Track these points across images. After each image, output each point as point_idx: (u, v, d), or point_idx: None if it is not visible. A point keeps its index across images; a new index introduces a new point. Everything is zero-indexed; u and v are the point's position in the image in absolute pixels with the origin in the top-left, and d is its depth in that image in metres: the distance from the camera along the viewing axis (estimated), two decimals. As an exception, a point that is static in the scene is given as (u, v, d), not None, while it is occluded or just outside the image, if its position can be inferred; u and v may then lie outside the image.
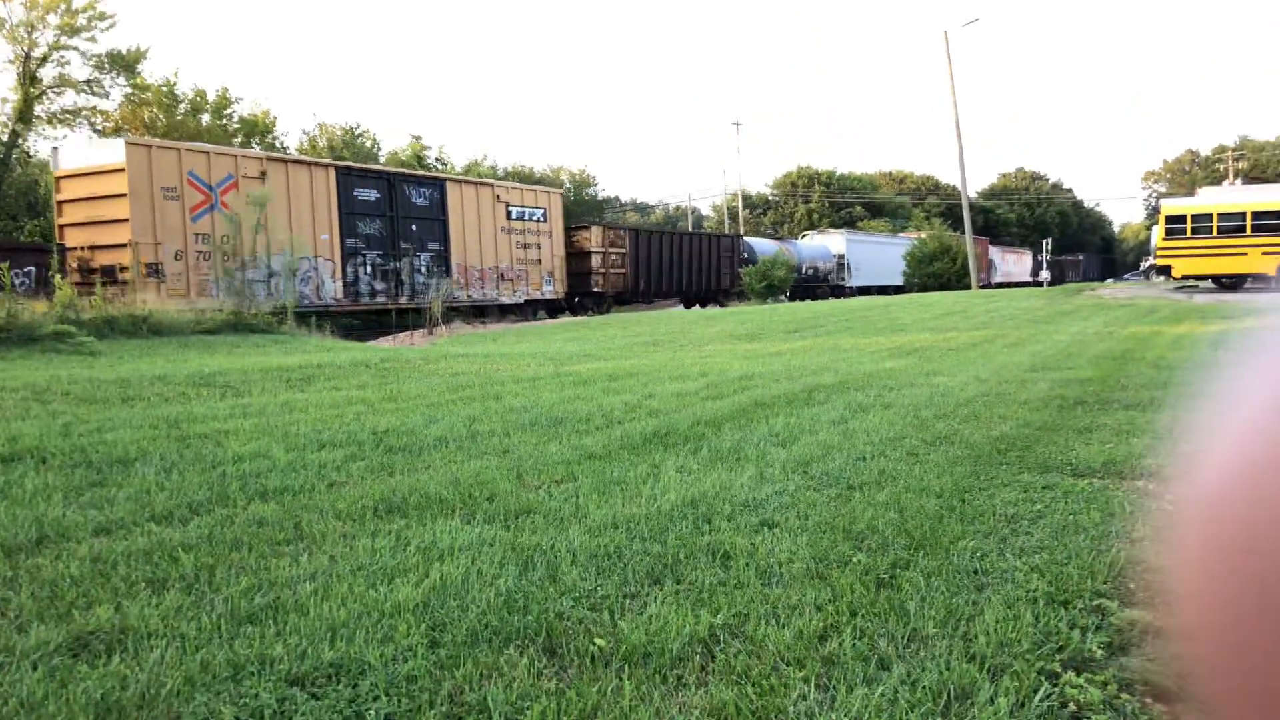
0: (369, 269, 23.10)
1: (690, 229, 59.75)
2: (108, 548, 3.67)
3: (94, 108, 31.93)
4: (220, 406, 7.44)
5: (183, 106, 34.15)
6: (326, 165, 23.22)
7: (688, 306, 35.50)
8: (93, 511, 4.20)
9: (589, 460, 5.41)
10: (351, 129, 40.22)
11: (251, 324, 15.44)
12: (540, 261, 28.93)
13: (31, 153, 30.74)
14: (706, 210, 79.49)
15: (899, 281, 51.38)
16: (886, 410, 7.29)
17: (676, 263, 35.51)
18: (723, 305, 35.69)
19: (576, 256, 31.06)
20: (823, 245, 48.79)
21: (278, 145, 37.57)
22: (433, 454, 5.60)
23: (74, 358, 11.07)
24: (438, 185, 25.49)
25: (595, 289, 31.13)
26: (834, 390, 8.53)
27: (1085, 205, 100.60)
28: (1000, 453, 5.66)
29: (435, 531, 3.91)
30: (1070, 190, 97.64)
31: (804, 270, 43.91)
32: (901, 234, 62.53)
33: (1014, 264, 68.43)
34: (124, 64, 31.52)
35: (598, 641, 2.80)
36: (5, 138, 29.68)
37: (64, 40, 30.18)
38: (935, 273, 44.30)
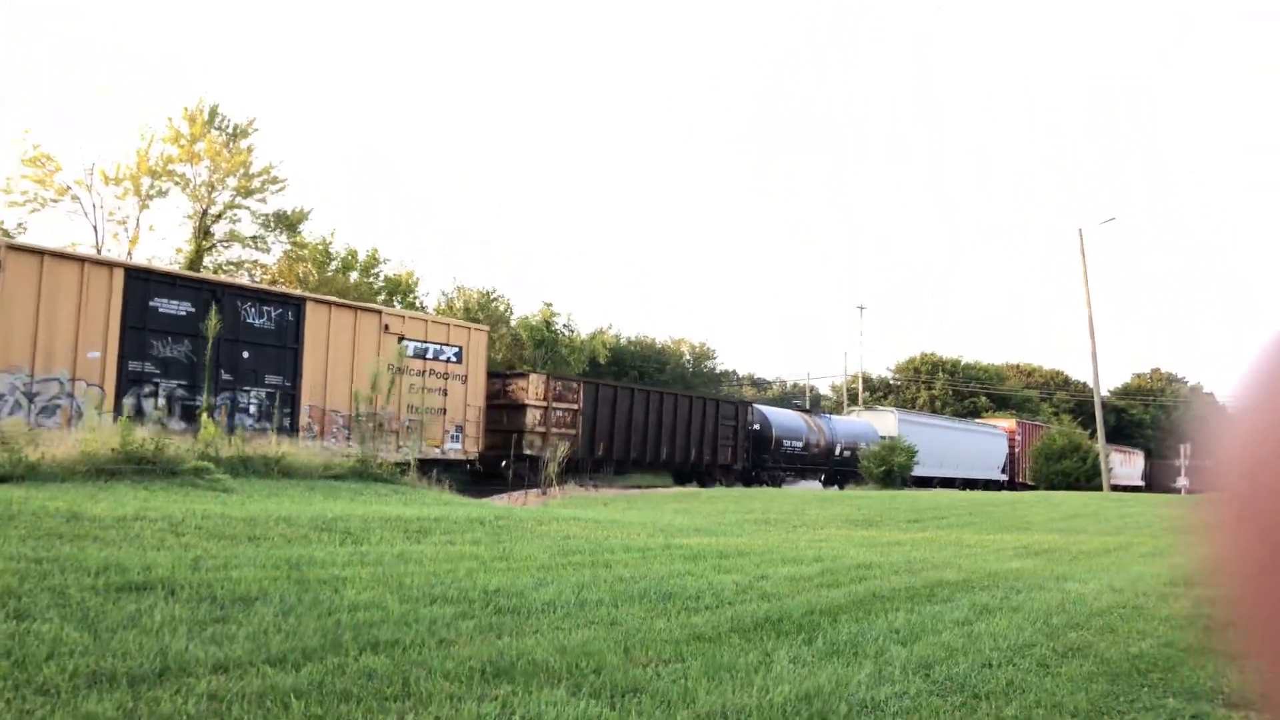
0: (162, 401, 17.79)
1: (807, 406, 58.10)
2: (224, 686, 3.72)
3: (255, 261, 34.40)
4: (340, 552, 7.59)
5: (334, 264, 36.47)
6: (110, 264, 18.73)
7: (679, 483, 30.77)
8: (213, 648, 4.28)
9: (698, 641, 5.27)
10: (488, 293, 42.07)
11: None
12: (445, 411, 23.31)
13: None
14: (825, 390, 79.25)
15: (980, 475, 47.74)
16: (1014, 614, 6.92)
17: (657, 428, 29.90)
18: (723, 484, 31.27)
19: (508, 410, 26.09)
20: (866, 425, 43.37)
21: (418, 304, 39.52)
22: (540, 619, 5.55)
23: (209, 493, 11.54)
24: (293, 306, 20.59)
25: (528, 451, 25.28)
26: (957, 588, 8.17)
27: (1228, 410, 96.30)
28: (1140, 672, 5.27)
29: (540, 702, 3.83)
30: (1211, 394, 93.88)
31: (839, 452, 39.11)
32: (978, 421, 58.56)
33: (1119, 464, 63.82)
34: (288, 223, 34.04)
35: (705, 841, 2.65)
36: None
37: (238, 200, 32.87)
38: (1063, 470, 42.74)
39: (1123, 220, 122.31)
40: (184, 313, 18.32)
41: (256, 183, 32.73)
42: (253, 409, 19.40)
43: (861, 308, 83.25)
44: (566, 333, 42.76)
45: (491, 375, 26.42)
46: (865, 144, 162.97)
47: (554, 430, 25.96)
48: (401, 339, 22.19)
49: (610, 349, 45.93)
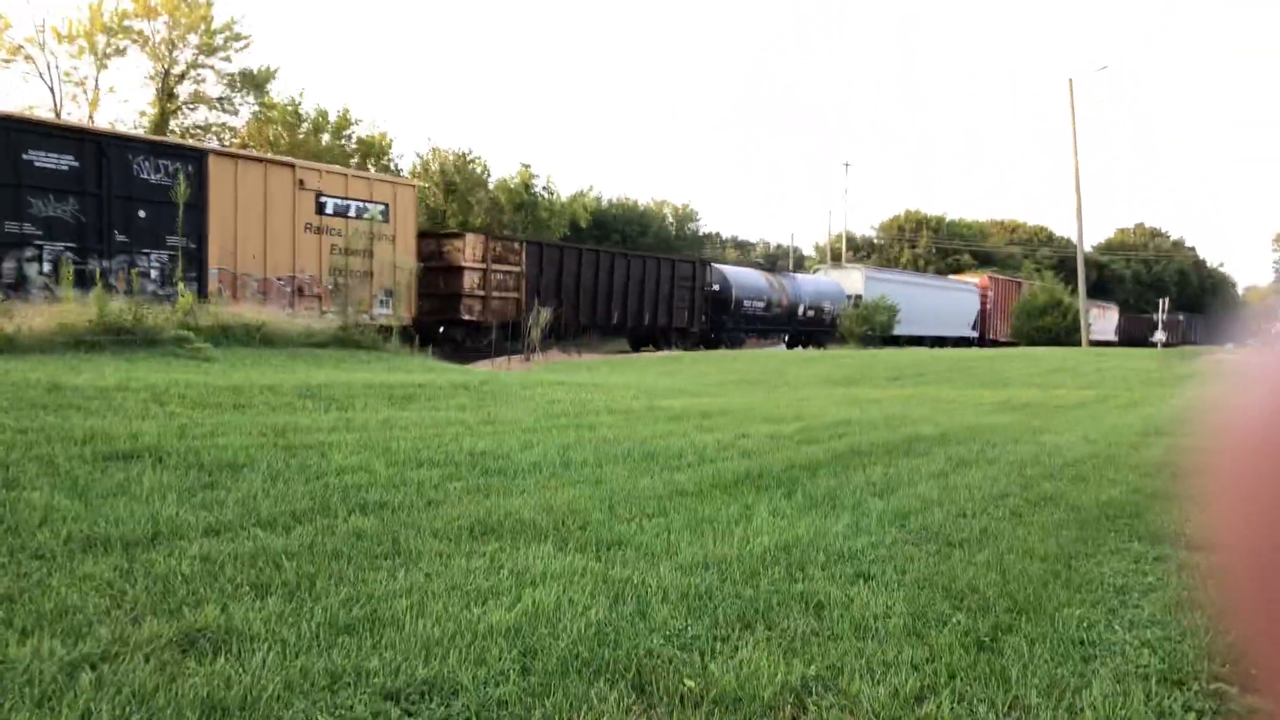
0: (46, 267, 16.13)
1: (790, 267, 57.48)
2: (216, 549, 3.79)
3: (224, 124, 33.49)
4: (325, 419, 7.65)
5: (305, 125, 35.53)
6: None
7: (635, 348, 29.41)
8: (203, 512, 4.35)
9: (680, 496, 5.39)
10: (464, 154, 41.19)
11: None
12: (372, 275, 21.49)
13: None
14: (809, 250, 79.01)
15: (951, 332, 45.81)
16: (989, 466, 7.10)
17: (608, 291, 28.09)
18: (680, 348, 29.66)
19: (443, 273, 24.07)
20: (833, 283, 41.02)
21: (392, 166, 38.75)
22: (527, 479, 5.65)
23: (191, 362, 11.53)
24: (193, 159, 18.65)
25: (466, 317, 24.07)
26: (934, 442, 8.35)
27: (1208, 265, 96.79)
28: (1109, 519, 5.45)
29: (528, 556, 3.94)
30: (1193, 249, 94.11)
31: (803, 313, 36.93)
32: (955, 277, 56.81)
33: (1094, 319, 63.24)
34: (254, 83, 33.00)
35: (688, 682, 2.77)
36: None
37: (201, 59, 31.76)
38: (1044, 327, 43.13)
39: (1116, 69, 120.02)
40: (65, 167, 16.67)
41: (219, 39, 31.58)
42: (154, 274, 17.65)
43: (847, 165, 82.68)
44: (546, 195, 42.14)
45: (425, 236, 24.98)
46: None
47: (494, 295, 24.32)
48: (320, 196, 20.62)
49: (592, 211, 45.38)
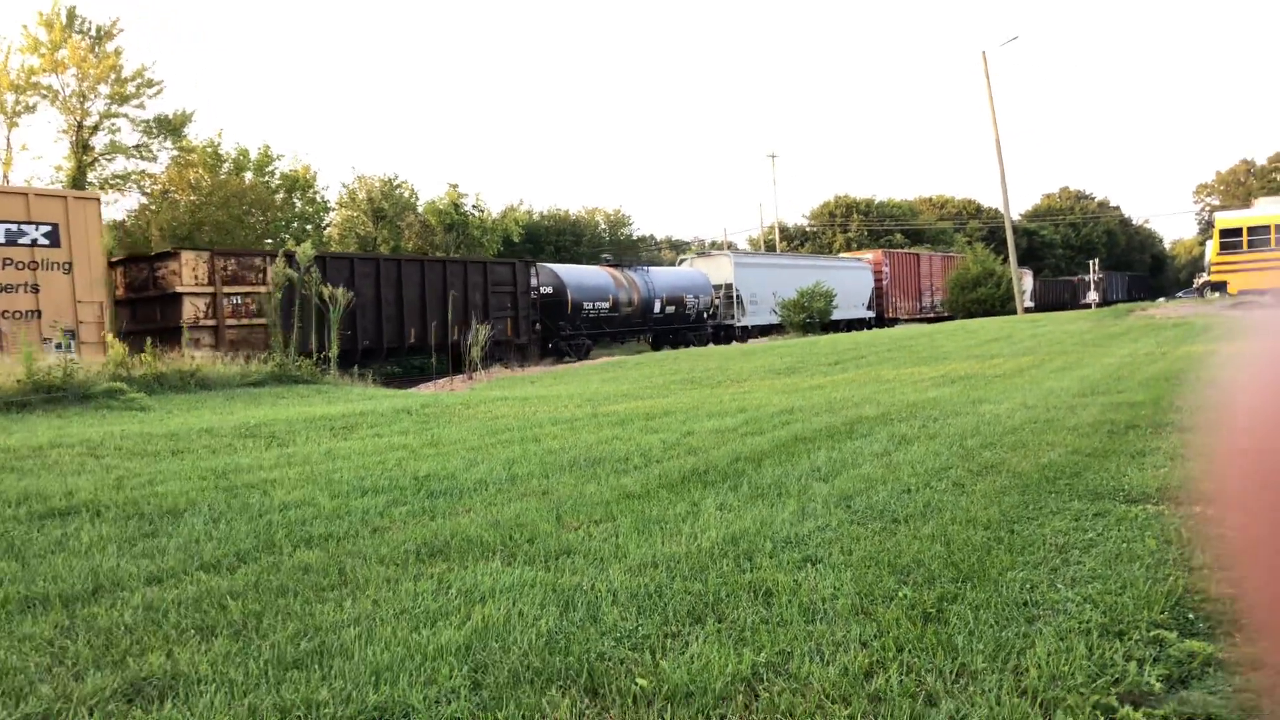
0: None
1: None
2: (159, 596, 3.73)
3: (143, 172, 32.82)
4: (266, 456, 7.55)
5: (227, 166, 34.98)
6: None
7: (452, 371, 22.12)
8: (145, 561, 4.27)
9: (628, 500, 5.41)
10: (390, 180, 40.86)
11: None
12: (40, 313, 17.55)
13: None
14: (743, 243, 79.49)
15: (843, 315, 41.36)
16: (931, 441, 7.22)
17: (397, 306, 22.99)
18: (504, 365, 23.91)
19: (160, 303, 19.90)
20: (695, 274, 36.28)
21: (319, 199, 38.31)
22: (473, 497, 5.63)
23: (125, 413, 11.30)
24: None
25: (195, 354, 17.42)
26: (877, 422, 8.46)
27: (1134, 223, 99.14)
28: (1049, 481, 5.58)
29: (477, 574, 3.93)
30: (1118, 208, 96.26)
31: (660, 310, 32.45)
32: (845, 255, 53.03)
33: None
34: (171, 128, 32.38)
35: (640, 681, 2.79)
36: (59, 202, 30.56)
37: (114, 109, 31.11)
38: (979, 298, 43.81)
39: (1026, 39, 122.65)
40: None
41: (131, 87, 30.96)
42: None
43: (773, 156, 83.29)
44: (477, 213, 41.98)
45: (133, 260, 21.23)
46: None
47: (230, 324, 19.60)
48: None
49: (524, 225, 45.27)
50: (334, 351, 17.88)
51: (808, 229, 77.53)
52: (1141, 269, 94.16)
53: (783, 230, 71.21)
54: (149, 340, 15.75)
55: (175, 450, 7.91)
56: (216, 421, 9.87)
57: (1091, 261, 54.69)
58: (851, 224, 74.60)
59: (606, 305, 30.09)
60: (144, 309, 20.35)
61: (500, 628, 3.26)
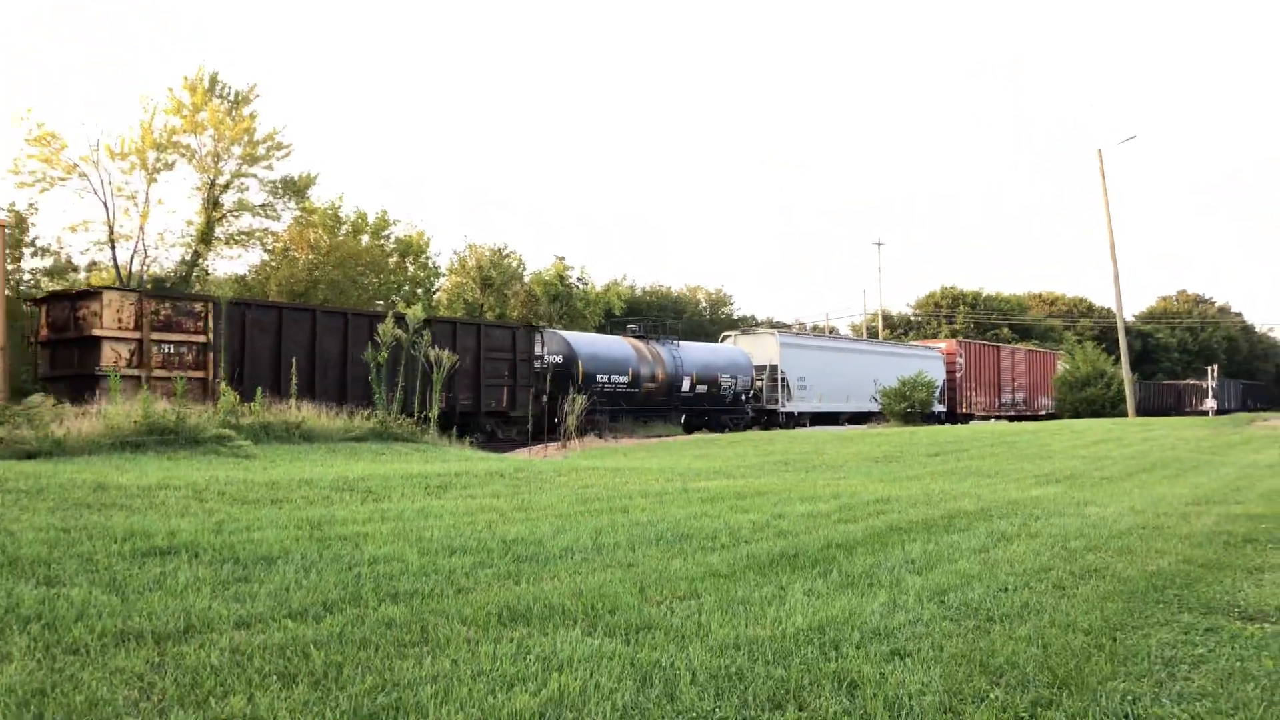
0: None
1: None
2: (246, 640, 3.80)
3: (266, 229, 34.45)
4: (360, 510, 7.70)
5: (345, 228, 36.48)
6: None
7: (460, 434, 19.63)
8: (236, 605, 4.37)
9: (713, 578, 5.33)
10: (500, 249, 42.02)
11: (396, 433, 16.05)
12: None
13: (210, 271, 33.24)
14: (845, 330, 78.93)
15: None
16: (1032, 540, 6.96)
17: (367, 367, 18.77)
18: (524, 445, 21.98)
19: (78, 347, 17.57)
20: (735, 351, 33.58)
21: (430, 264, 39.57)
22: (558, 564, 5.62)
23: (231, 460, 11.69)
24: None
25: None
26: (976, 517, 8.20)
27: (1256, 330, 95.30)
28: (1157, 590, 5.30)
29: (556, 641, 3.90)
30: (1240, 314, 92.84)
31: (689, 388, 29.91)
32: (918, 342, 49.85)
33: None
34: (295, 189, 33.99)
35: (714, 764, 2.71)
36: (188, 257, 32.23)
37: (245, 169, 32.84)
38: (1088, 399, 42.43)
39: (1143, 139, 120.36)
40: None
41: (262, 149, 32.67)
42: None
43: (879, 243, 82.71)
44: (581, 286, 42.73)
45: (57, 298, 18.96)
46: (877, 72, 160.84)
47: (158, 372, 17.34)
48: None
49: (625, 300, 45.88)
50: (434, 411, 18.24)
51: (912, 318, 76.59)
52: (1264, 378, 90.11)
53: (886, 318, 70.48)
54: (67, 387, 14.81)
55: (274, 499, 8.13)
56: (316, 473, 10.12)
57: (1210, 368, 52.31)
58: (957, 316, 73.43)
59: (625, 379, 27.57)
60: (63, 352, 18.11)
61: (576, 697, 3.22)
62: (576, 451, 19.53)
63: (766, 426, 32.27)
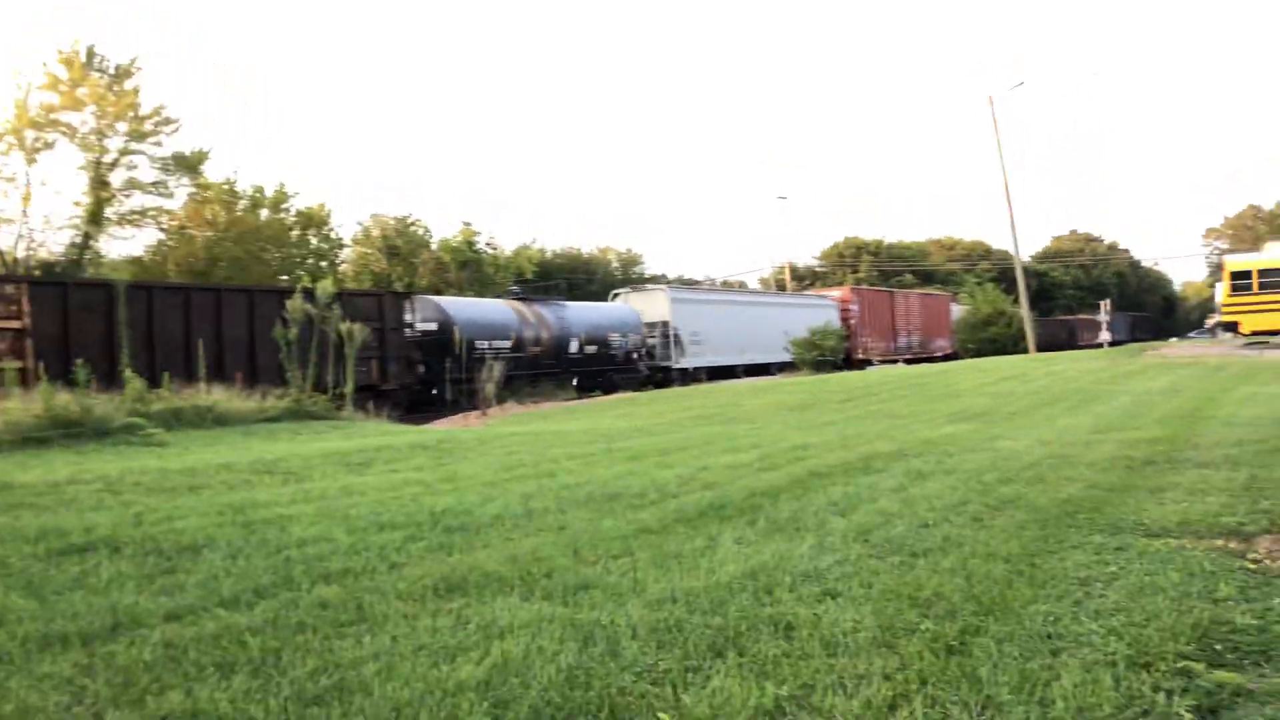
0: None
1: None
2: (178, 634, 3.73)
3: (159, 208, 33.21)
4: (283, 492, 7.56)
5: (242, 203, 35.37)
6: None
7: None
8: (164, 599, 4.27)
9: (645, 535, 5.39)
10: (404, 218, 41.26)
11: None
12: None
13: (103, 254, 31.94)
14: (753, 284, 79.81)
15: (779, 358, 37.84)
16: (948, 476, 7.19)
17: (214, 348, 17.95)
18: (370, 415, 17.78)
19: None
20: (624, 309, 32.74)
21: (333, 236, 38.70)
22: (490, 533, 5.62)
23: (143, 449, 11.34)
24: None
25: None
26: (892, 458, 8.44)
27: (1144, 265, 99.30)
28: (1069, 515, 5.55)
29: (495, 609, 3.92)
30: (1127, 250, 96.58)
31: (578, 349, 28.96)
32: (812, 291, 50.19)
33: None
34: (188, 165, 32.79)
35: (661, 716, 2.78)
36: (78, 240, 30.90)
37: (132, 146, 31.53)
38: (991, 338, 43.81)
39: (1035, 84, 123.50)
40: None
41: (149, 125, 31.42)
42: None
43: (783, 197, 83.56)
44: (490, 251, 42.31)
45: None
46: (776, 25, 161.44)
47: None
48: None
49: (536, 263, 45.59)
50: (350, 388, 17.93)
51: (818, 269, 77.78)
52: (1153, 310, 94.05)
53: (793, 271, 71.40)
54: None
55: (193, 486, 7.93)
56: (234, 457, 9.90)
57: (1103, 302, 54.23)
58: (861, 265, 74.82)
59: (507, 344, 26.53)
60: None
61: (520, 663, 3.24)
62: (496, 419, 19.44)
63: (660, 385, 31.78)
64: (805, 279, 74.77)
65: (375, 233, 40.46)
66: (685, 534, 5.38)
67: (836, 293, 46.20)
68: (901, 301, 49.76)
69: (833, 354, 36.22)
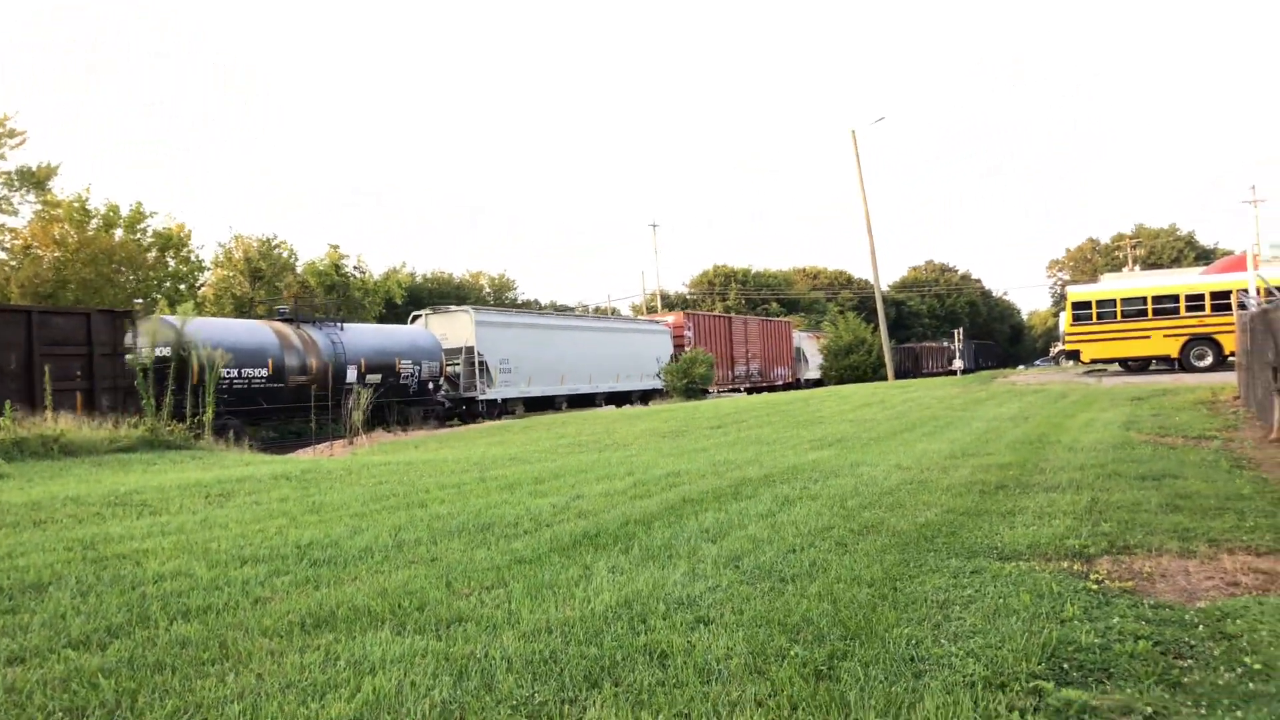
0: None
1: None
2: (22, 677, 3.52)
3: (3, 226, 31.28)
4: (137, 525, 7.21)
5: (95, 222, 33.63)
6: None
7: None
8: (5, 640, 4.03)
9: (519, 565, 5.37)
10: (268, 240, 39.98)
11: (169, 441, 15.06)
12: None
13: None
14: (626, 310, 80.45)
15: (630, 385, 35.90)
16: (813, 501, 7.40)
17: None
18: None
19: None
20: (419, 333, 28.99)
21: (193, 258, 37.14)
22: (359, 565, 5.50)
23: (-22, 481, 10.62)
24: None
25: None
26: (761, 484, 8.62)
27: (994, 295, 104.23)
28: (927, 539, 5.78)
29: (365, 644, 3.84)
30: (979, 280, 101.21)
31: (355, 376, 24.73)
32: (647, 317, 48.10)
33: (813, 352, 55.27)
34: (34, 181, 31.02)
35: (539, 748, 2.77)
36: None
37: (-30, 158, 29.67)
38: (852, 365, 45.34)
39: (895, 120, 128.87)
40: None
41: (-10, 137, 29.61)
42: None
43: (654, 225, 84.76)
44: (358, 275, 41.41)
45: None
46: (647, 58, 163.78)
47: None
48: None
49: (406, 288, 44.83)
50: (209, 415, 17.22)
51: (688, 296, 78.98)
52: (1001, 338, 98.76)
53: (664, 297, 72.37)
54: None
55: (38, 520, 7.48)
56: (83, 490, 9.38)
57: (955, 330, 56.79)
58: (730, 292, 76.37)
59: (264, 373, 22.28)
60: None
61: (392, 699, 3.19)
62: (365, 448, 18.98)
63: (466, 419, 28.81)
64: (675, 305, 75.81)
65: (238, 254, 39.09)
66: (560, 563, 5.38)
67: (670, 318, 44.03)
68: (740, 327, 47.68)
69: (703, 381, 36.56)
